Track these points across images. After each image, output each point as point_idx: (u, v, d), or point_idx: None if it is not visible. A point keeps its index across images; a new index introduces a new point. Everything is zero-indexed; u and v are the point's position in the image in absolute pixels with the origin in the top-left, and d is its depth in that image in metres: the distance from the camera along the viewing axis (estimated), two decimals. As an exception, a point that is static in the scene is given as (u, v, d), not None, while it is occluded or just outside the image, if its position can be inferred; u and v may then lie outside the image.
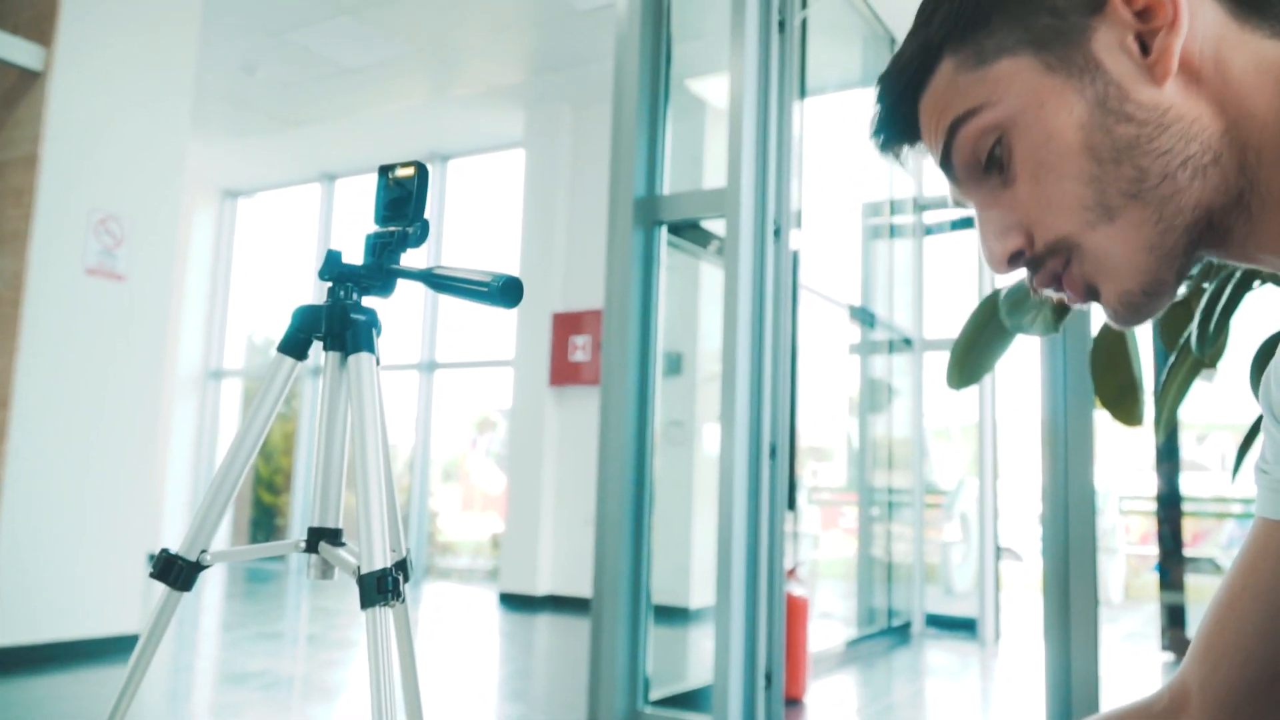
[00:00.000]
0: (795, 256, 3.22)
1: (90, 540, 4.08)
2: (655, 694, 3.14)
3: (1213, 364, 1.45)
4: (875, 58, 5.38)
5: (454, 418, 8.79)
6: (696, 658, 3.97)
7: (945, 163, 0.66)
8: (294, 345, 1.25)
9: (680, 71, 3.45)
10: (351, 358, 1.22)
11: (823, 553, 6.56)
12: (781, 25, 3.16)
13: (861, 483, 5.54)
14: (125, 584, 4.21)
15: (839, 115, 5.34)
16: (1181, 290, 1.52)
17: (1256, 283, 1.30)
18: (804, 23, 3.36)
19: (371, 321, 1.25)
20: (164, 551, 1.20)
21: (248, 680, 3.75)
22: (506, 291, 1.16)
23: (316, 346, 1.29)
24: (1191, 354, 1.34)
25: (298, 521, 8.16)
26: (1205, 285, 1.34)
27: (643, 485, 3.15)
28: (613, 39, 3.31)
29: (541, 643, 5.19)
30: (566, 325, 6.45)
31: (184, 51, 4.53)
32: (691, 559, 4.83)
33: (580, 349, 6.36)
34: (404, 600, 1.23)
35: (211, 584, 6.81)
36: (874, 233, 5.60)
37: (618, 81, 3.23)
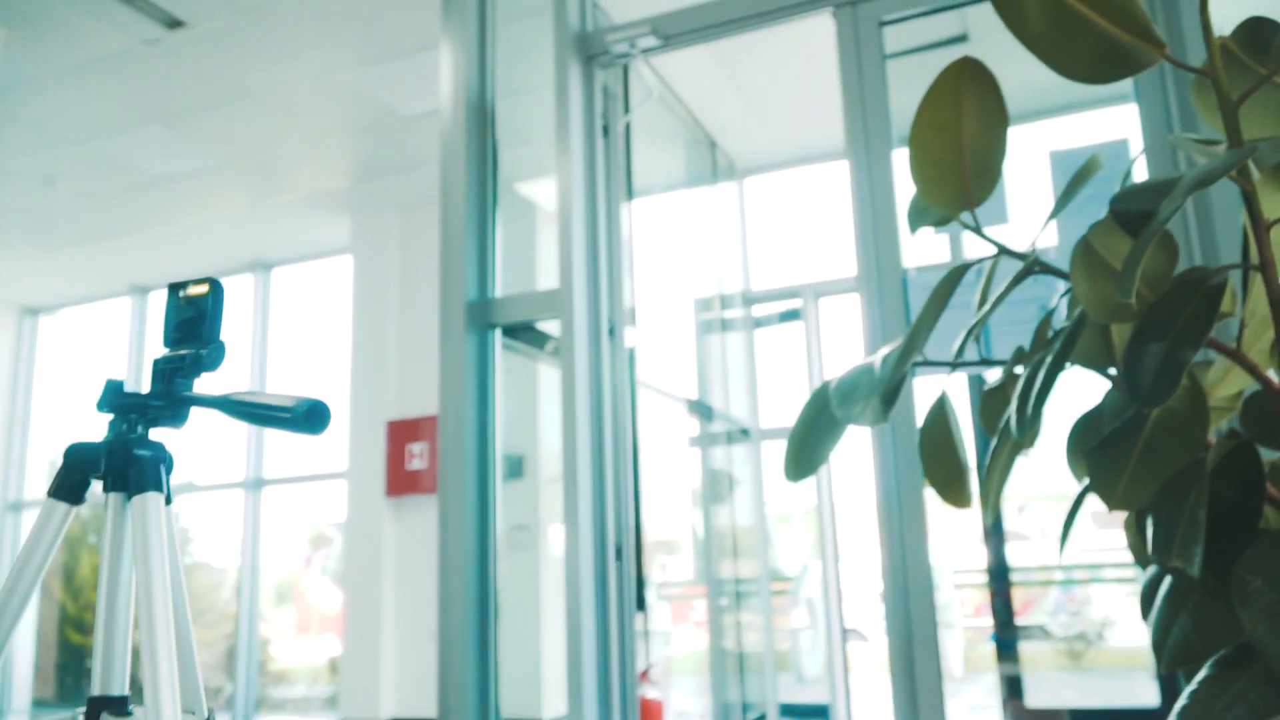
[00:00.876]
0: (631, 354, 3.23)
1: None
2: (509, 819, 2.98)
3: (1031, 444, 1.51)
4: (698, 159, 5.58)
5: (285, 535, 8.35)
6: (552, 773, 3.82)
7: None
8: (67, 489, 1.12)
9: (509, 175, 3.47)
10: (136, 499, 1.09)
11: (675, 649, 6.50)
12: (605, 130, 3.23)
13: (709, 574, 5.54)
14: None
15: (666, 214, 5.49)
16: (996, 376, 1.57)
17: (1068, 364, 1.37)
18: (627, 127, 3.45)
19: (159, 456, 1.13)
20: None
21: None
22: (312, 416, 1.08)
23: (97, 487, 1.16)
24: (1011, 437, 1.39)
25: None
26: (1017, 371, 1.40)
27: (486, 594, 3.04)
28: (438, 145, 3.30)
29: (386, 772, 4.88)
30: (402, 433, 6.27)
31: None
32: (542, 668, 4.69)
33: (418, 456, 6.18)
34: None
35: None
36: (707, 327, 5.73)
37: (444, 186, 3.22)
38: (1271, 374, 1.21)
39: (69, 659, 8.19)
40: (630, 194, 3.87)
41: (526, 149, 3.72)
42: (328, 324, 7.36)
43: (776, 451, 5.94)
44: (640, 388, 4.43)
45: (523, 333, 3.32)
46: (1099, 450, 1.30)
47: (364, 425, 6.41)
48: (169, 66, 4.81)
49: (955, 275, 1.36)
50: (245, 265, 7.46)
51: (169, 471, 1.15)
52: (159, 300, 7.92)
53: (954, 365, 1.53)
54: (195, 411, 1.16)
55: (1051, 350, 1.22)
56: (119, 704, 1.11)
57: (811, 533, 7.01)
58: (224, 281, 1.21)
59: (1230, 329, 1.31)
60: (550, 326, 3.28)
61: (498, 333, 3.17)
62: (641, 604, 3.18)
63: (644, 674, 3.44)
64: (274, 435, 7.34)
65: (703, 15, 3.14)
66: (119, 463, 1.11)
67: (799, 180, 6.10)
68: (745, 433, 5.84)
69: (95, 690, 1.09)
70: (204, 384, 1.16)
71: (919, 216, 1.48)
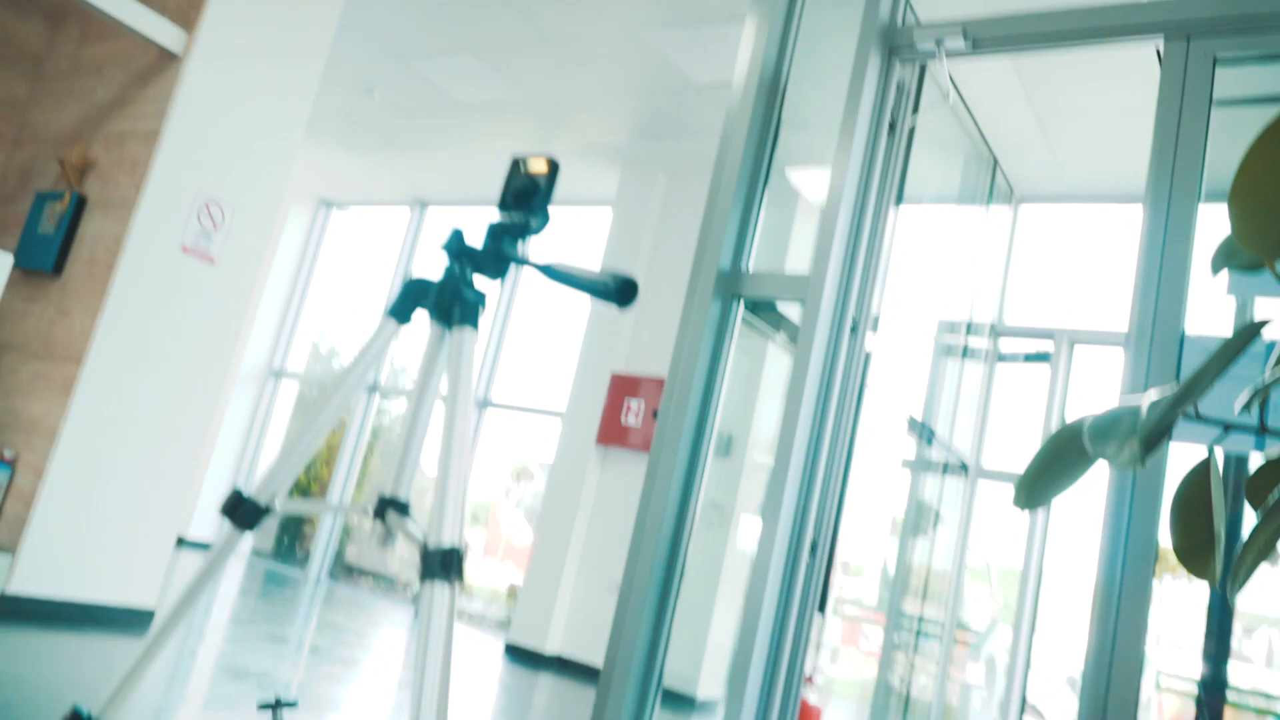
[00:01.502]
0: (868, 356, 3.17)
1: (128, 511, 4.11)
2: (652, 779, 3.03)
3: (1303, 532, 1.37)
4: (976, 177, 5.37)
5: (494, 462, 8.79)
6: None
7: None
8: (401, 309, 1.27)
9: (783, 158, 3.46)
10: (454, 330, 1.22)
11: (839, 669, 6.37)
12: (892, 127, 3.16)
13: (892, 605, 5.38)
14: (150, 560, 4.22)
15: (933, 226, 5.32)
16: (1276, 451, 1.44)
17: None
18: (912, 129, 3.36)
19: (480, 300, 1.26)
20: (236, 492, 1.19)
21: (245, 678, 3.71)
22: (623, 291, 1.16)
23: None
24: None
25: (320, 549, 8.15)
26: (1305, 447, 1.27)
27: (674, 564, 3.07)
28: (719, 116, 3.33)
29: (540, 704, 5.07)
30: (624, 387, 6.43)
31: (313, 62, 4.69)
32: (706, 648, 4.71)
33: (633, 413, 6.33)
34: (463, 583, 1.21)
35: (230, 580, 6.80)
36: (947, 350, 5.52)
37: (721, 155, 3.24)
38: None
39: (289, 521, 9.00)
40: (901, 197, 3.78)
41: (806, 134, 3.69)
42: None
43: (992, 494, 5.66)
44: (868, 392, 4.34)
45: (764, 311, 3.32)
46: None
47: (590, 372, 6.63)
48: (495, 1, 5.11)
49: (1251, 330, 1.25)
50: (514, 201, 7.84)
51: (483, 314, 1.27)
52: (436, 214, 8.49)
53: (1231, 425, 1.41)
54: (517, 270, 1.27)
55: (1356, 428, 1.10)
56: (403, 507, 1.23)
57: (1007, 594, 6.65)
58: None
59: None
60: (791, 312, 3.26)
61: (740, 304, 3.18)
62: (823, 608, 3.13)
63: (809, 679, 3.40)
64: (508, 362, 7.71)
65: (1019, 25, 3.00)
66: (447, 298, 1.25)
67: (1078, 217, 5.75)
68: (964, 467, 5.60)
69: (387, 491, 1.21)
70: (527, 247, 1.27)
71: (1227, 258, 1.37)
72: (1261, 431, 1.45)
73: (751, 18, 3.32)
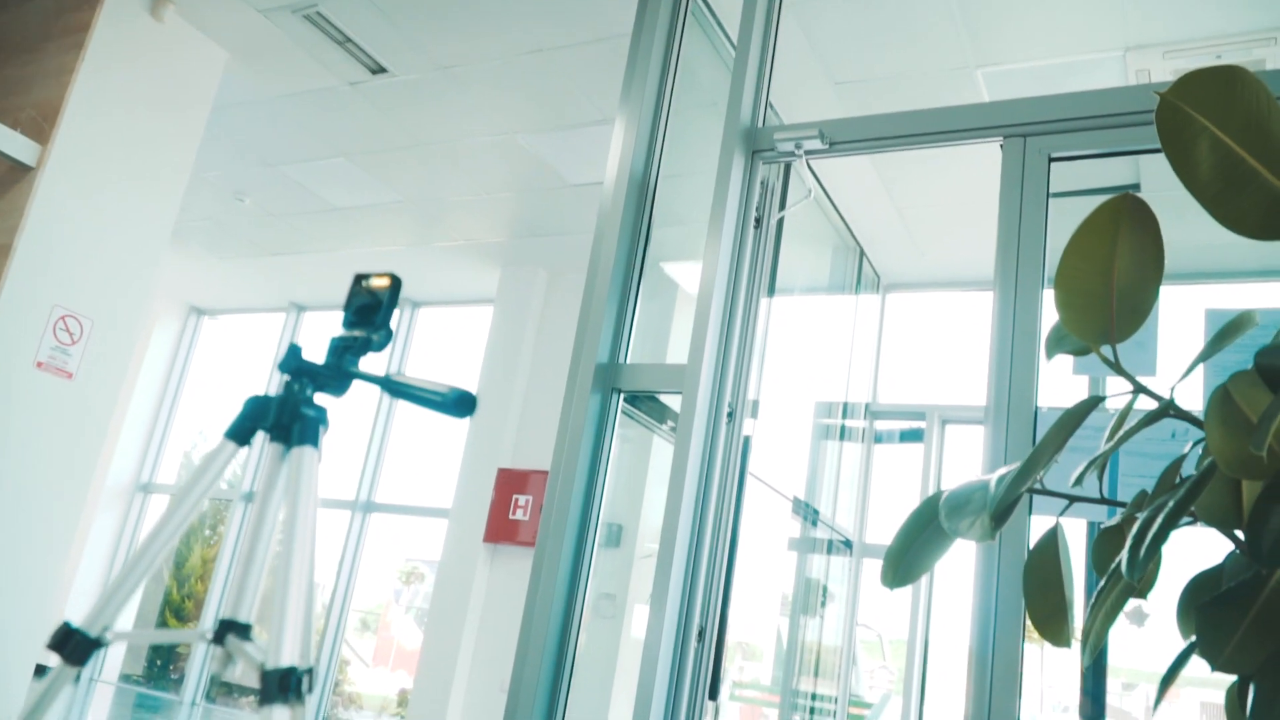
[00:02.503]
0: (746, 442, 3.26)
1: (-24, 641, 3.85)
2: None
3: (1143, 593, 1.47)
4: (844, 266, 5.62)
5: (381, 565, 8.55)
6: None
7: None
8: (239, 432, 1.25)
9: (657, 253, 3.58)
10: (294, 450, 1.22)
11: (739, 756, 6.33)
12: (758, 222, 3.32)
13: (785, 685, 5.41)
14: (6, 693, 3.94)
15: (804, 315, 5.52)
16: (1115, 519, 1.55)
17: (1186, 520, 1.34)
18: (780, 223, 3.53)
19: (320, 418, 1.26)
20: (65, 624, 1.14)
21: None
22: (460, 403, 1.18)
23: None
24: (1122, 578, 1.36)
25: (195, 670, 7.74)
26: (1138, 515, 1.38)
27: (563, 657, 3.05)
28: (595, 214, 3.44)
29: (434, 816, 4.88)
30: (511, 482, 6.39)
31: (179, 169, 4.64)
32: (605, 742, 4.64)
33: (522, 508, 6.28)
34: (303, 705, 1.18)
35: (97, 709, 6.38)
36: (825, 432, 5.69)
37: (596, 251, 3.34)
38: None
39: (161, 644, 8.51)
40: (773, 287, 3.94)
41: (678, 230, 3.83)
42: (460, 368, 7.61)
43: (877, 569, 5.79)
44: (749, 477, 4.43)
45: (644, 402, 3.39)
46: (1210, 607, 1.26)
47: (476, 469, 6.57)
48: (366, 107, 5.17)
49: (1087, 406, 1.36)
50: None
51: (325, 432, 1.27)
52: (313, 319, 8.36)
53: (1072, 498, 1.51)
54: (357, 386, 1.28)
55: (1175, 495, 1.20)
56: (243, 629, 1.20)
57: (898, 665, 6.77)
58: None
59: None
60: (672, 402, 3.34)
61: (620, 397, 3.24)
62: (715, 693, 3.14)
63: (706, 766, 3.38)
64: (390, 460, 7.57)
65: (871, 126, 3.21)
66: (286, 417, 1.24)
67: (942, 303, 6.06)
68: (847, 544, 5.73)
69: (226, 613, 1.18)
70: (369, 362, 1.28)
71: (1058, 343, 1.48)
72: (1103, 502, 1.56)
73: (620, 120, 3.46)
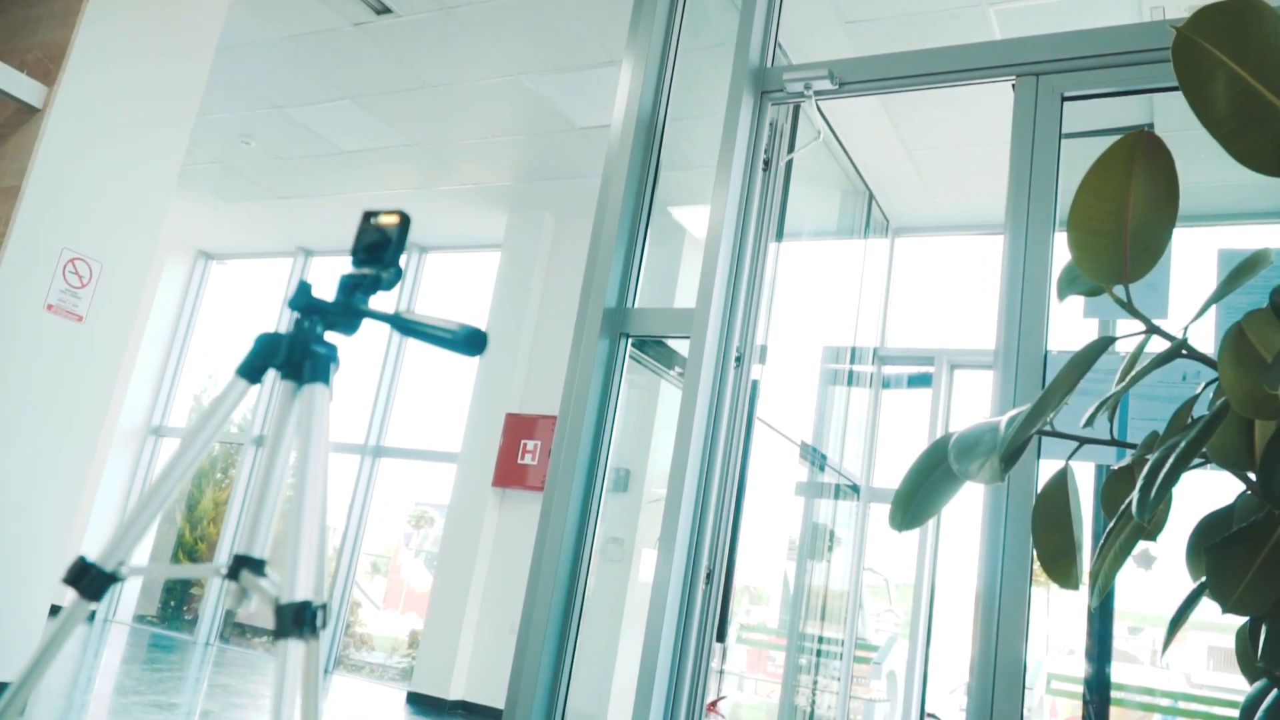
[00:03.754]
0: (755, 386, 3.25)
1: (-5, 581, 3.90)
2: (558, 818, 3.01)
3: (1153, 535, 1.47)
4: (854, 210, 5.57)
5: (390, 509, 8.63)
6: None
7: None
8: (250, 369, 1.25)
9: (665, 197, 3.55)
10: (306, 387, 1.22)
11: (746, 694, 6.42)
12: (766, 164, 3.28)
13: (793, 628, 5.47)
14: (23, 632, 4.01)
15: (813, 259, 5.49)
16: (1125, 461, 1.54)
17: (1197, 461, 1.33)
18: (789, 166, 3.48)
19: (331, 356, 1.25)
20: (80, 559, 1.15)
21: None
22: (471, 341, 1.17)
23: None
24: (1132, 519, 1.36)
25: (209, 610, 7.85)
26: (1149, 456, 1.37)
27: (572, 599, 3.08)
28: (603, 157, 3.40)
29: (446, 753, 4.98)
30: (519, 427, 6.42)
31: (184, 111, 4.59)
32: (613, 682, 4.70)
33: (530, 453, 6.31)
34: (318, 639, 1.19)
35: (112, 648, 6.49)
36: (832, 377, 5.68)
37: (603, 195, 3.31)
38: None
39: (176, 584, 8.64)
40: (781, 231, 3.90)
41: (687, 173, 3.79)
42: (468, 313, 7.61)
43: (883, 516, 5.83)
44: (757, 422, 4.44)
45: (652, 347, 3.38)
46: (1221, 547, 1.26)
47: (484, 414, 6.59)
48: (371, 49, 5.10)
49: (1099, 346, 1.35)
50: (402, 245, 7.78)
51: (336, 370, 1.26)
52: (321, 264, 8.35)
53: (1082, 440, 1.51)
54: (367, 324, 1.27)
55: (1187, 436, 1.19)
56: (257, 565, 1.21)
57: (904, 609, 6.84)
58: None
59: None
60: (680, 347, 3.33)
61: (628, 342, 3.23)
62: (722, 635, 3.18)
63: (712, 705, 3.44)
64: (400, 407, 7.61)
65: (881, 66, 3.15)
66: (297, 354, 1.24)
67: (952, 247, 6.01)
68: (855, 489, 5.75)
69: (240, 548, 1.19)
70: (378, 301, 1.27)
71: (1070, 284, 1.47)
72: (1113, 444, 1.55)
73: (627, 62, 3.41)
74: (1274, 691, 1.20)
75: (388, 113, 5.75)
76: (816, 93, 3.20)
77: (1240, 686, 1.35)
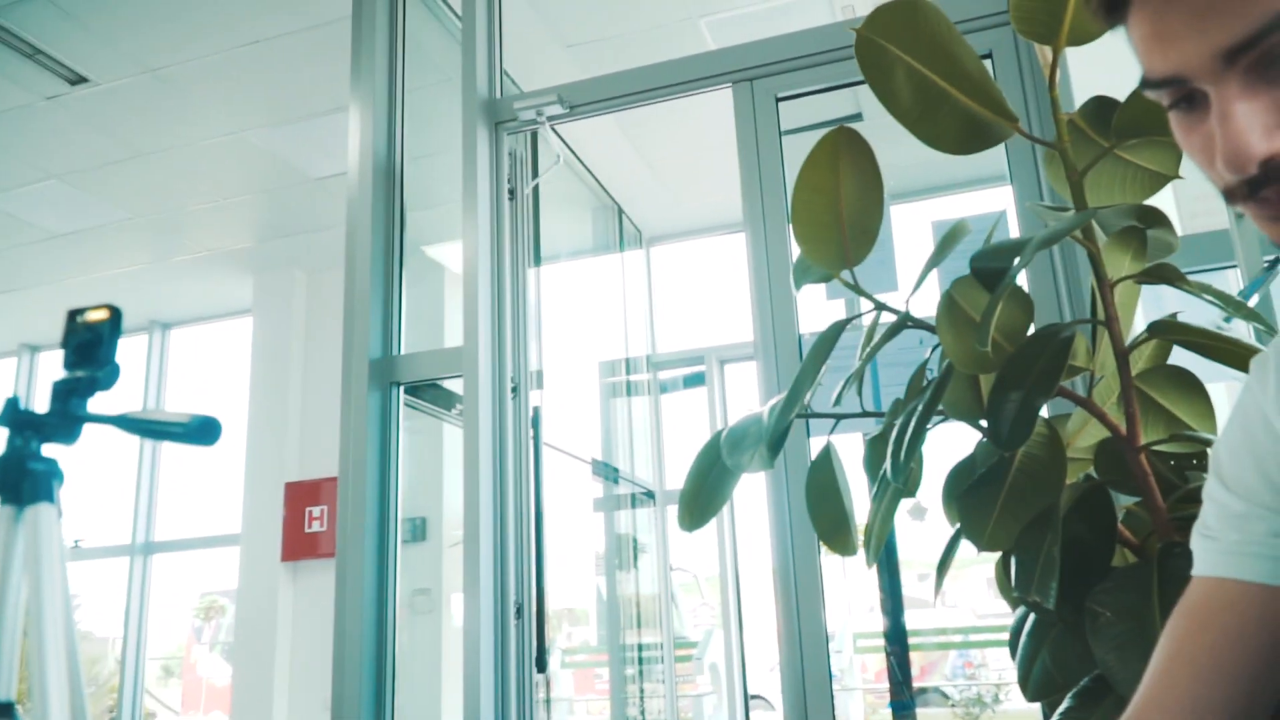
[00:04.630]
0: (536, 413, 3.26)
1: None
2: None
3: (911, 492, 1.59)
4: (606, 226, 5.69)
5: (174, 605, 8.03)
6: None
7: (1247, 44, 0.58)
8: None
9: (417, 238, 3.50)
10: (28, 509, 1.12)
11: (578, 718, 6.42)
12: (512, 193, 3.30)
13: (613, 641, 5.51)
14: None
15: (574, 279, 5.57)
16: (877, 428, 1.65)
17: (938, 418, 1.46)
18: (535, 191, 3.52)
19: (52, 471, 1.16)
20: None
21: None
22: (204, 430, 1.12)
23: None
24: (890, 483, 1.47)
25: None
26: (895, 422, 1.48)
27: (383, 662, 2.99)
28: (345, 207, 3.32)
29: None
30: (301, 495, 6.13)
31: None
32: (442, 737, 4.58)
33: (316, 519, 6.05)
34: None
35: None
36: (612, 390, 5.79)
37: (350, 245, 3.23)
38: (1120, 422, 1.31)
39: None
40: (538, 257, 3.94)
41: (434, 211, 3.76)
42: (226, 386, 7.20)
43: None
44: (545, 448, 4.45)
45: (428, 391, 3.33)
46: (968, 494, 1.38)
47: (260, 488, 6.25)
48: (71, 122, 4.74)
49: (836, 330, 1.45)
50: (143, 326, 7.27)
51: (60, 485, 1.16)
52: (52, 359, 7.66)
53: (837, 416, 1.61)
54: (90, 429, 1.18)
55: (923, 399, 1.30)
56: (6, 709, 1.10)
57: (717, 599, 7.05)
58: (121, 341, 1.24)
59: (1087, 382, 1.42)
60: (456, 386, 3.29)
61: (401, 391, 3.16)
62: (542, 665, 3.16)
63: (544, 737, 3.41)
64: (166, 499, 7.09)
65: (606, 86, 3.25)
66: (13, 475, 1.14)
67: (705, 248, 6.27)
68: (650, 495, 5.88)
69: None
70: (98, 404, 1.18)
71: (804, 274, 1.57)
72: (864, 415, 1.66)
73: (354, 107, 3.34)
74: (1031, 616, 1.33)
75: (101, 188, 5.36)
76: (549, 118, 3.26)
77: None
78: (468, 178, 3.17)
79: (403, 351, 3.20)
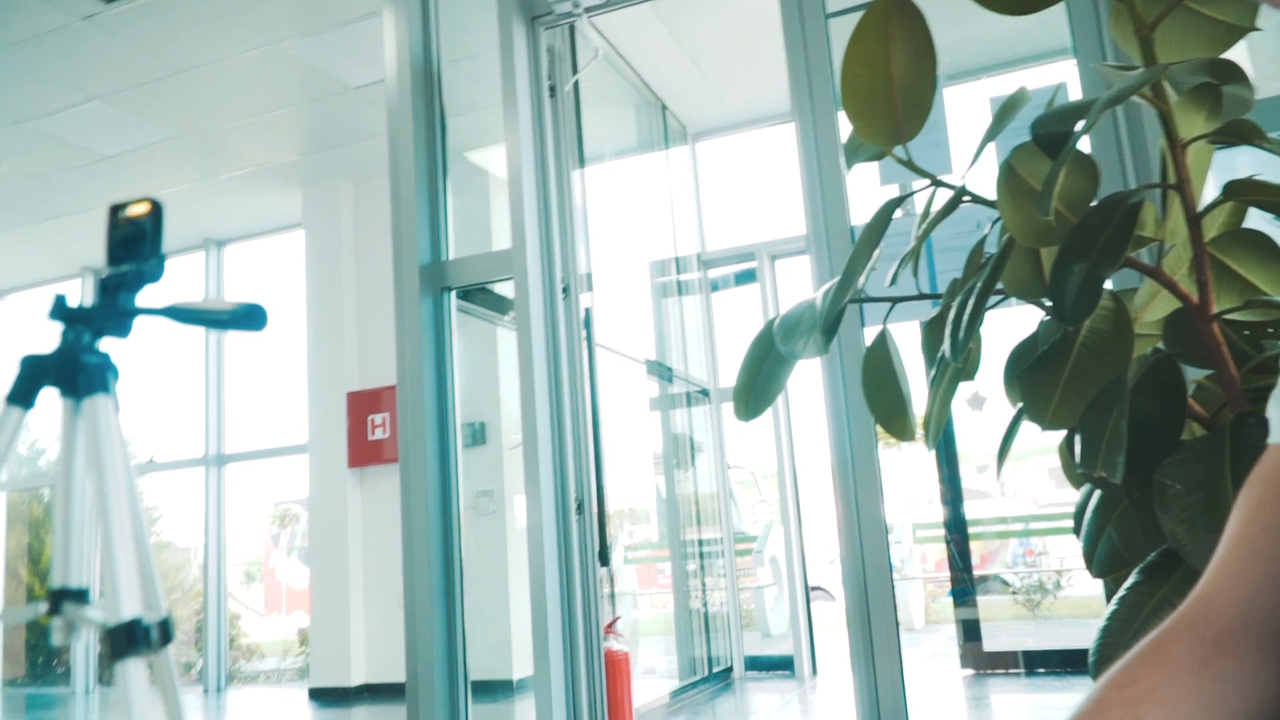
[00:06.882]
0: (588, 314, 3.26)
1: None
2: (480, 773, 3.03)
3: (970, 374, 1.56)
4: (650, 123, 5.58)
5: (251, 514, 8.32)
6: (523, 731, 3.87)
7: None
8: (21, 394, 1.16)
9: (460, 143, 3.46)
10: (85, 401, 1.14)
11: (643, 611, 6.58)
12: (553, 90, 3.23)
13: (674, 538, 5.60)
14: None
15: (621, 178, 5.49)
16: (937, 311, 1.61)
17: (997, 297, 1.42)
18: (576, 88, 3.45)
19: (105, 364, 1.18)
20: None
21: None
22: (250, 316, 1.13)
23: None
24: (950, 364, 1.44)
25: (80, 659, 7.43)
26: (953, 302, 1.44)
27: (450, 560, 3.06)
28: (386, 115, 3.28)
29: (359, 741, 4.92)
30: (363, 404, 6.25)
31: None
32: (512, 630, 4.73)
33: (379, 427, 6.17)
34: (160, 653, 1.14)
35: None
36: (663, 290, 5.76)
37: (393, 153, 3.21)
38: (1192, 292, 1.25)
39: (39, 640, 8.13)
40: (582, 158, 3.88)
41: (476, 115, 3.71)
42: (283, 299, 7.30)
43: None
44: (598, 349, 4.46)
45: (479, 296, 3.34)
46: (1030, 372, 1.34)
47: (323, 399, 6.39)
48: (109, 41, 4.72)
49: (889, 208, 1.40)
50: (197, 244, 7.37)
51: (115, 378, 1.19)
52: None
53: (892, 300, 1.57)
54: (141, 321, 1.19)
55: (981, 275, 1.26)
56: (79, 595, 1.14)
57: (774, 495, 7.10)
58: (175, 259, 1.25)
59: (1156, 253, 1.36)
60: (507, 291, 3.29)
61: (453, 296, 3.17)
62: (605, 559, 3.23)
63: (609, 626, 3.50)
64: (235, 411, 7.28)
65: (647, -27, 3.14)
66: (68, 368, 1.16)
67: (751, 142, 6.13)
68: (705, 393, 5.89)
69: (56, 583, 1.12)
70: (147, 297, 1.19)
71: (855, 153, 1.51)
72: (920, 297, 1.63)
73: (388, 11, 3.28)
74: (1097, 492, 1.31)
75: (144, 108, 5.36)
76: (586, 9, 3.17)
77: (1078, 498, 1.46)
78: (506, 76, 3.11)
79: (452, 257, 3.20)
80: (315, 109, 5.59)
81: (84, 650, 7.38)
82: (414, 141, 3.16)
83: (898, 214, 1.50)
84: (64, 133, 5.57)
